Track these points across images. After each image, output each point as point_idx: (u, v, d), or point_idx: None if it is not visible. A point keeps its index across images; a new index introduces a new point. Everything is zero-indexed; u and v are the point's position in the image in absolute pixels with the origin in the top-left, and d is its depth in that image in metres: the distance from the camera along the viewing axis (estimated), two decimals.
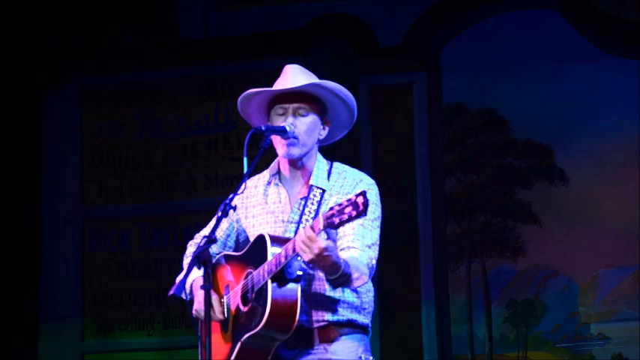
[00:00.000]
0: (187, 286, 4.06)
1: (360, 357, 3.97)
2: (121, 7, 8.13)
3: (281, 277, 3.82)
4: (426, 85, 7.91)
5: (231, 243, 4.19)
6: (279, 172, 4.12)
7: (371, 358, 4.00)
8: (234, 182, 7.51)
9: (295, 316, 3.80)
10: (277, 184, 4.10)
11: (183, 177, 8.10)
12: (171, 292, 3.48)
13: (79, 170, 8.21)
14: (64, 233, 8.13)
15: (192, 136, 8.15)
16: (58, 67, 8.22)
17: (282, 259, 3.80)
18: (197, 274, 4.06)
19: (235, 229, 4.19)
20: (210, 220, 4.01)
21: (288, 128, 4.01)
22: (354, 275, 3.80)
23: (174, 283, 3.79)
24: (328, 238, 3.73)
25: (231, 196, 3.84)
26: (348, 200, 3.61)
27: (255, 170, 4.00)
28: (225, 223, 4.19)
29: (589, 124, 7.79)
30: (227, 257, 4.12)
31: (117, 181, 8.18)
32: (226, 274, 4.09)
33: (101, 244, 8.13)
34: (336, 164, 4.12)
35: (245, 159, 3.94)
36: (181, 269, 4.12)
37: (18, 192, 8.09)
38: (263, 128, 3.99)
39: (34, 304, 8.04)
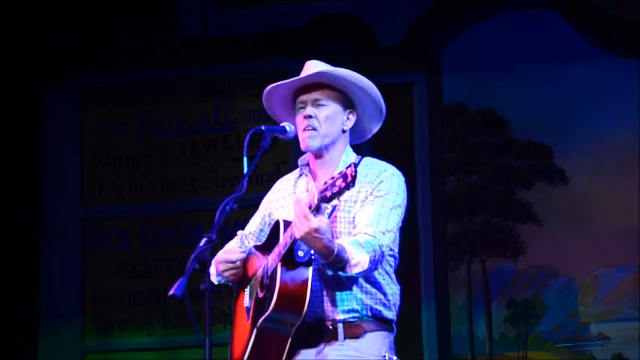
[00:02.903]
0: (213, 269, 4.07)
1: (384, 356, 3.95)
2: (121, 7, 8.14)
3: (291, 259, 3.80)
4: (426, 85, 7.91)
5: (264, 236, 4.17)
6: (308, 164, 4.12)
7: (395, 357, 3.99)
8: (234, 182, 7.51)
9: (305, 299, 3.77)
10: (307, 175, 4.10)
11: (183, 177, 8.10)
12: (171, 292, 3.46)
13: (79, 170, 8.21)
14: (64, 233, 8.13)
15: (192, 136, 8.15)
16: (58, 67, 8.22)
17: (288, 239, 3.78)
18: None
19: (267, 223, 4.18)
20: (210, 219, 4.00)
21: (287, 128, 4.02)
22: (352, 261, 3.76)
23: (175, 283, 3.78)
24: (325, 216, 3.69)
25: (231, 196, 3.83)
26: (339, 172, 3.60)
27: (255, 170, 3.99)
28: (257, 219, 4.22)
29: (589, 124, 7.79)
30: (257, 247, 4.12)
31: (117, 181, 8.18)
32: (253, 263, 4.09)
33: (101, 244, 8.13)
34: (366, 158, 4.10)
35: (245, 159, 3.93)
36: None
37: (18, 192, 8.09)
38: (263, 128, 3.98)
39: (34, 304, 8.04)
